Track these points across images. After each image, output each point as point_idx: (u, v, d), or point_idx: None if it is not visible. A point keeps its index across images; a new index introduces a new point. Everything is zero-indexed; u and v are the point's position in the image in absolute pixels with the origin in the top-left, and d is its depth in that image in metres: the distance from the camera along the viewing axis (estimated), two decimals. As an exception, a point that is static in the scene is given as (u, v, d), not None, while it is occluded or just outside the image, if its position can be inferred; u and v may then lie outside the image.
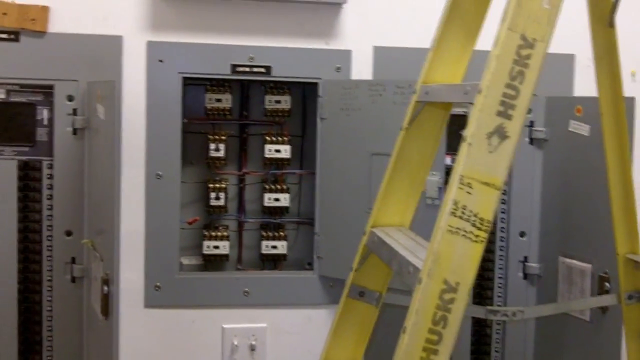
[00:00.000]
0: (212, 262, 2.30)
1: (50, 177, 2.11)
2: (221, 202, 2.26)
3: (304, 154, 2.35)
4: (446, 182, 1.26)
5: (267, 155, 2.27)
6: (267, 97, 2.27)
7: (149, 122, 2.14)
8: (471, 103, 1.23)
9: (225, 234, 2.28)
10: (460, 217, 1.20)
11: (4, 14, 2.04)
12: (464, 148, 1.21)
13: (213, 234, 2.27)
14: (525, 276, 2.31)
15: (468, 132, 1.21)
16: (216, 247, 2.27)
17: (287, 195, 2.31)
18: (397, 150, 1.59)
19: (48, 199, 2.12)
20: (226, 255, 2.28)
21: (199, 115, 2.26)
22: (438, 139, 1.60)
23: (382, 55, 2.23)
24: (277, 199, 2.30)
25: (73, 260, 2.13)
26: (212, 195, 2.26)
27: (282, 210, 2.33)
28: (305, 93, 2.33)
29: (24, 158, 2.11)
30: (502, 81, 1.21)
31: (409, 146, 1.59)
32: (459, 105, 1.70)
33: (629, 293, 1.75)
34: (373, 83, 2.13)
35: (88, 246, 2.06)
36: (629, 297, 1.75)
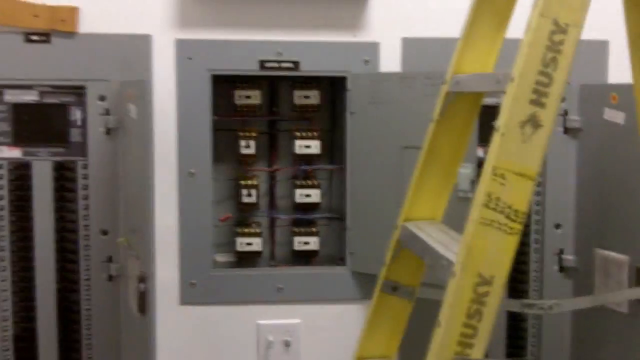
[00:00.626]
0: (245, 259, 2.30)
1: (85, 177, 2.13)
2: (252, 199, 2.27)
3: (334, 149, 2.34)
4: (478, 174, 1.25)
5: (297, 151, 2.27)
6: (296, 93, 2.27)
7: (179, 120, 2.15)
8: (503, 92, 1.22)
9: (257, 230, 2.29)
10: (494, 209, 1.19)
11: (35, 16, 2.06)
12: (496, 138, 1.19)
13: (245, 230, 2.28)
14: (561, 269, 2.28)
15: (500, 122, 1.19)
16: (249, 244, 2.27)
17: (317, 191, 2.30)
18: (428, 143, 1.58)
19: (83, 199, 2.14)
20: (259, 252, 2.28)
21: (229, 112, 2.26)
22: (469, 130, 1.59)
23: (410, 46, 2.21)
24: (308, 195, 2.30)
25: (109, 259, 2.15)
26: (244, 192, 2.26)
27: (313, 206, 2.32)
28: (333, 87, 2.32)
29: (59, 159, 2.13)
30: (535, 68, 1.19)
31: (440, 138, 1.58)
32: (490, 95, 1.68)
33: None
34: (402, 75, 2.12)
35: (124, 245, 2.08)
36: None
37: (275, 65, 2.17)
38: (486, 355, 1.22)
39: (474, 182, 1.97)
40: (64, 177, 2.14)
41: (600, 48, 2.25)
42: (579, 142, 2.23)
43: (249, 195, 2.26)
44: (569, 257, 2.26)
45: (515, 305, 1.78)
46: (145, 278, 1.84)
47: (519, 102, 1.18)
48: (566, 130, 2.24)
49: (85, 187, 2.14)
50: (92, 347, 2.17)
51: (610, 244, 2.10)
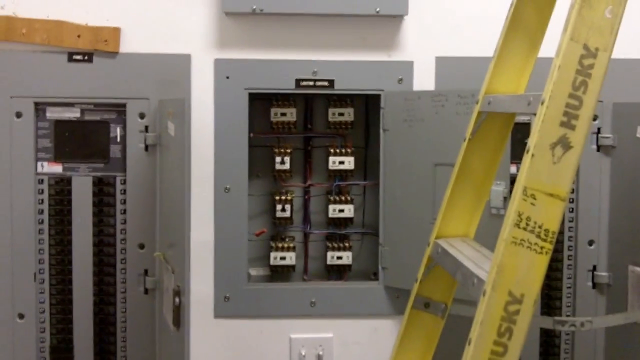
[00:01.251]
0: (279, 273, 2.33)
1: (124, 192, 2.18)
2: (287, 214, 2.30)
3: (368, 165, 2.37)
4: (511, 191, 1.26)
5: (331, 167, 2.30)
6: (331, 110, 2.30)
7: (216, 137, 2.19)
8: (534, 114, 1.23)
9: (291, 245, 2.32)
10: (525, 229, 1.20)
11: (78, 36, 2.12)
12: (527, 159, 1.21)
13: (280, 245, 2.31)
14: (594, 285, 2.27)
15: (531, 143, 1.21)
16: (283, 258, 2.30)
17: (351, 207, 2.32)
18: (460, 161, 1.59)
19: (122, 213, 2.19)
20: (293, 266, 2.31)
21: (265, 129, 2.30)
22: (501, 148, 1.60)
23: (444, 65, 2.23)
24: (341, 210, 2.32)
25: (146, 273, 2.19)
26: (279, 207, 2.29)
27: (347, 221, 2.35)
28: (368, 105, 2.35)
29: (99, 174, 2.19)
30: (565, 91, 1.20)
31: (472, 156, 1.59)
32: (523, 113, 1.69)
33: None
34: (435, 94, 2.14)
35: (160, 259, 2.12)
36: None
37: (311, 83, 2.20)
38: (517, 373, 1.23)
39: (507, 199, 1.98)
40: (103, 192, 2.19)
41: (634, 66, 2.24)
42: (612, 159, 2.23)
43: (284, 210, 2.29)
44: (602, 274, 2.25)
45: (548, 322, 1.78)
46: (180, 292, 1.87)
47: (549, 124, 1.20)
48: (599, 148, 2.24)
49: (123, 202, 2.19)
50: (128, 359, 2.21)
51: (643, 261, 2.10)
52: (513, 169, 2.10)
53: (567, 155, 1.20)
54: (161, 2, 2.17)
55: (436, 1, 2.23)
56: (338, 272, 2.36)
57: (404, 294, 2.13)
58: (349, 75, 2.21)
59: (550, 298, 2.29)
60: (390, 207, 2.25)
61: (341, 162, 2.30)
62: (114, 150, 2.19)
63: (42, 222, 2.16)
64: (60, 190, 2.17)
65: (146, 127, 2.16)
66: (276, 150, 2.28)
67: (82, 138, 2.19)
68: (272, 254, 2.30)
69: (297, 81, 2.20)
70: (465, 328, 1.25)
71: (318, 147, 2.36)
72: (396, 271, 2.24)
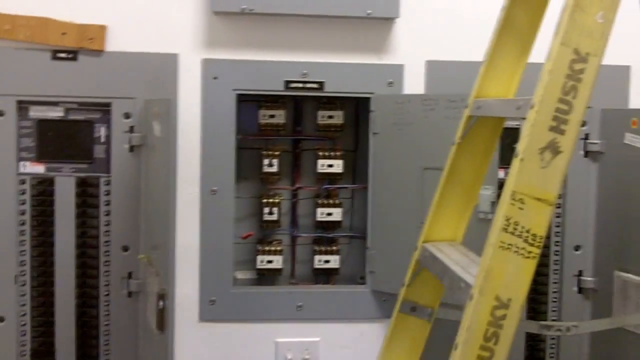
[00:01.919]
0: (266, 277, 2.32)
1: (108, 193, 2.16)
2: (274, 217, 2.28)
3: (357, 169, 2.36)
4: (499, 196, 1.25)
5: (320, 170, 2.29)
6: (320, 113, 2.29)
7: (203, 138, 2.17)
8: (523, 118, 1.23)
9: (278, 248, 2.30)
10: (512, 233, 1.20)
11: (64, 33, 2.10)
12: (515, 163, 1.20)
13: (267, 248, 2.29)
14: (580, 290, 2.27)
15: (520, 148, 1.20)
16: (270, 262, 2.29)
17: (339, 210, 2.31)
18: (449, 165, 1.59)
19: (105, 214, 2.16)
20: (279, 270, 2.30)
21: (253, 131, 2.29)
22: (490, 153, 1.60)
23: (434, 69, 2.22)
24: (329, 214, 2.31)
25: (129, 275, 2.17)
26: (266, 210, 2.28)
27: (335, 225, 2.34)
28: (357, 108, 2.34)
29: (82, 175, 2.16)
30: (555, 96, 1.20)
31: (461, 160, 1.59)
32: (512, 118, 1.69)
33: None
34: (425, 97, 2.13)
35: (144, 261, 2.10)
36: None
37: (300, 85, 2.19)
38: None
39: (495, 203, 1.98)
40: (86, 193, 2.16)
41: (622, 73, 2.25)
42: (599, 165, 2.23)
43: (271, 213, 2.28)
44: (588, 279, 2.25)
45: (534, 327, 1.79)
46: (164, 295, 1.86)
47: (538, 129, 1.19)
48: (587, 154, 2.24)
49: (108, 204, 2.16)
50: (111, 362, 2.19)
51: (629, 267, 2.10)
52: (501, 173, 2.09)
53: (556, 160, 1.20)
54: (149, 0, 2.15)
55: (428, 4, 2.23)
56: (325, 276, 2.35)
57: (391, 297, 2.13)
58: (338, 77, 2.20)
59: (536, 302, 2.29)
60: (378, 210, 2.24)
61: (330, 165, 2.29)
62: (98, 151, 2.16)
63: (23, 223, 2.13)
64: (43, 191, 2.14)
65: (131, 128, 2.14)
66: (264, 152, 2.27)
67: (66, 138, 2.16)
68: (259, 257, 2.29)
69: (287, 82, 2.19)
70: (452, 332, 1.24)
71: (307, 149, 2.35)
72: (383, 275, 2.23)
